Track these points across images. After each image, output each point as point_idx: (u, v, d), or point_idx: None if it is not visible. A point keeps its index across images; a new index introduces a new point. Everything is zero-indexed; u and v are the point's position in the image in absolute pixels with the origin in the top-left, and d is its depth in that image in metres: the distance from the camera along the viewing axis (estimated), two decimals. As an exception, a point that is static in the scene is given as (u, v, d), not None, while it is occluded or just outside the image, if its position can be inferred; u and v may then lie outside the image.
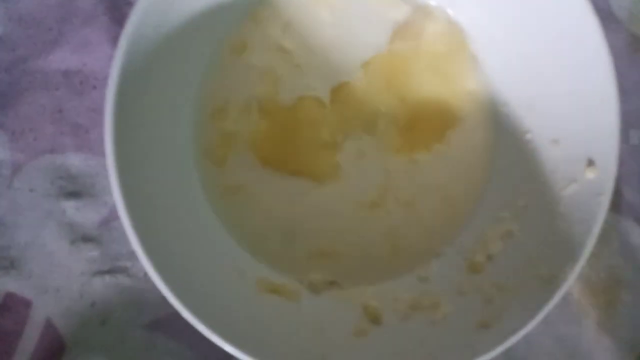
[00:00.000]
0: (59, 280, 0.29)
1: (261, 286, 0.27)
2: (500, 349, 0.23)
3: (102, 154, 0.24)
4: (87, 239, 0.30)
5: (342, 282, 0.28)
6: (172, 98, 0.26)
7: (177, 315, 0.23)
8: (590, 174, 0.25)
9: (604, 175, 0.24)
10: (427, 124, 0.29)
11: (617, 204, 0.31)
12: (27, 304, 0.29)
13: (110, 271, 0.29)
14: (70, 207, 0.30)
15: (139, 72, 0.23)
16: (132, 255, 0.29)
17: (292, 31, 0.28)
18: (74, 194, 0.30)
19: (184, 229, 0.26)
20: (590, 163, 0.25)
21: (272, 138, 0.28)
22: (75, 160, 0.30)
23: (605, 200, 0.24)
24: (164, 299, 0.22)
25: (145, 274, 0.28)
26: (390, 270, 0.28)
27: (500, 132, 0.29)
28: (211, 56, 0.28)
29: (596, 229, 0.24)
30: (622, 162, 0.25)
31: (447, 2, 0.29)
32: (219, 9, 0.27)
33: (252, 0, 0.28)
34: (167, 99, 0.26)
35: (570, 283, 0.23)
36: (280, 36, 0.28)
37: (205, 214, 0.28)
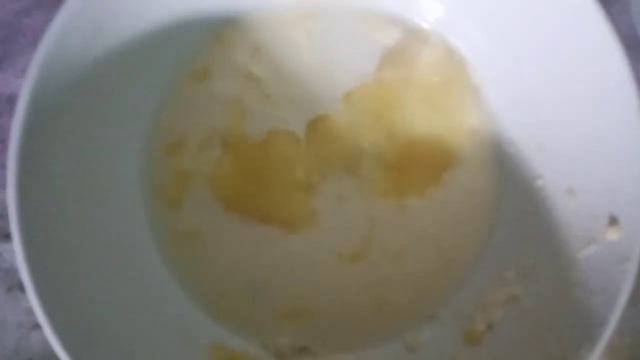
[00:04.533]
0: (-8, 333, 0.28)
1: (215, 355, 0.25)
2: None
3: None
4: (25, 286, 0.28)
5: (316, 348, 0.26)
6: (116, 129, 0.25)
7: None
8: (612, 235, 0.23)
9: (629, 238, 0.22)
10: (419, 164, 0.27)
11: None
12: (-47, 360, 0.27)
13: (51, 325, 0.27)
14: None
15: (60, 99, 0.21)
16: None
17: (263, 56, 0.27)
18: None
19: (122, 282, 0.24)
20: (613, 221, 0.23)
21: (236, 177, 0.27)
22: (17, 197, 0.28)
23: (632, 268, 0.22)
24: None
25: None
26: (373, 335, 0.26)
27: (506, 176, 0.27)
28: (168, 83, 0.26)
29: (620, 304, 0.21)
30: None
31: (444, 26, 0.27)
32: (177, 27, 0.25)
33: (217, 20, 0.27)
34: (109, 130, 0.24)
35: (588, 369, 0.21)
36: (249, 62, 0.27)
37: (152, 264, 0.26)
